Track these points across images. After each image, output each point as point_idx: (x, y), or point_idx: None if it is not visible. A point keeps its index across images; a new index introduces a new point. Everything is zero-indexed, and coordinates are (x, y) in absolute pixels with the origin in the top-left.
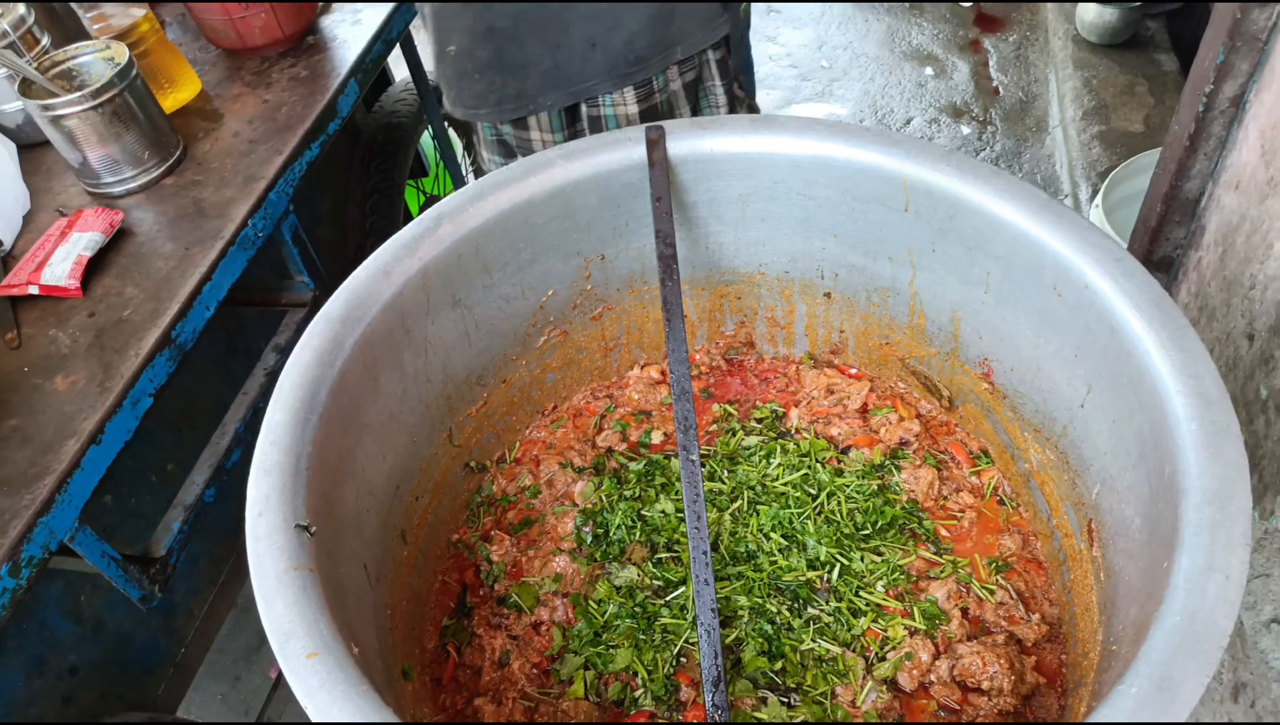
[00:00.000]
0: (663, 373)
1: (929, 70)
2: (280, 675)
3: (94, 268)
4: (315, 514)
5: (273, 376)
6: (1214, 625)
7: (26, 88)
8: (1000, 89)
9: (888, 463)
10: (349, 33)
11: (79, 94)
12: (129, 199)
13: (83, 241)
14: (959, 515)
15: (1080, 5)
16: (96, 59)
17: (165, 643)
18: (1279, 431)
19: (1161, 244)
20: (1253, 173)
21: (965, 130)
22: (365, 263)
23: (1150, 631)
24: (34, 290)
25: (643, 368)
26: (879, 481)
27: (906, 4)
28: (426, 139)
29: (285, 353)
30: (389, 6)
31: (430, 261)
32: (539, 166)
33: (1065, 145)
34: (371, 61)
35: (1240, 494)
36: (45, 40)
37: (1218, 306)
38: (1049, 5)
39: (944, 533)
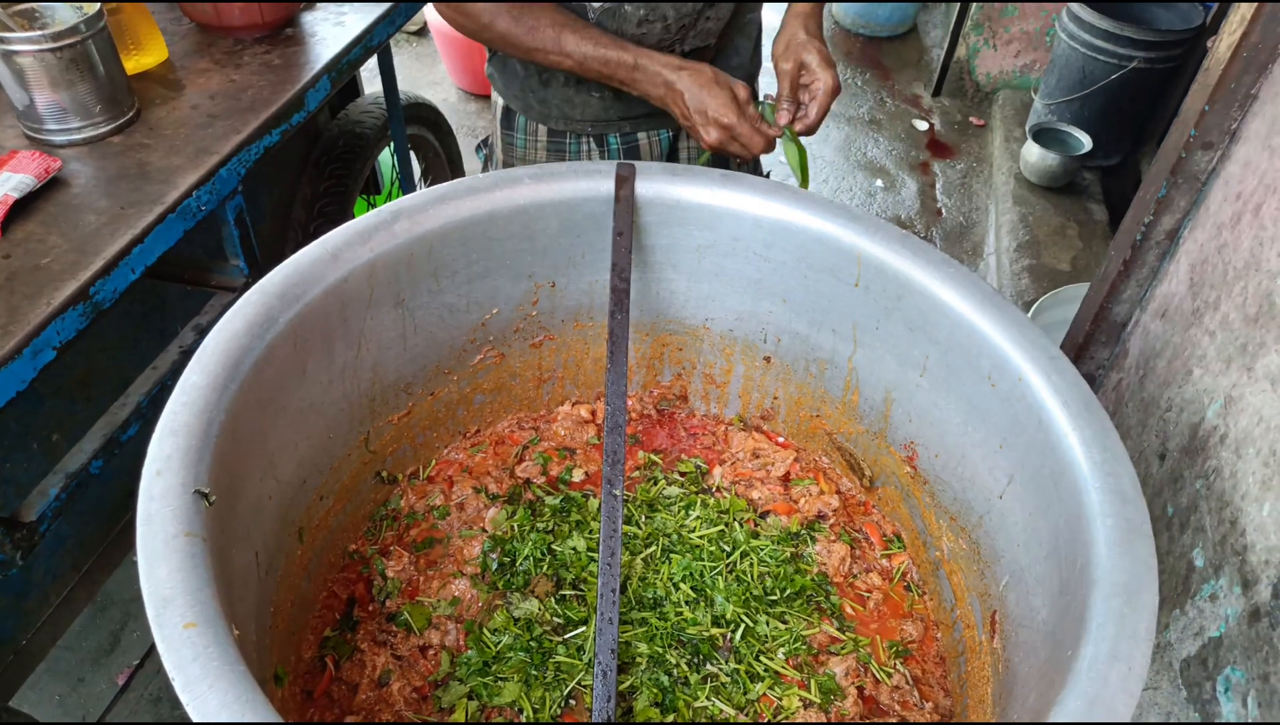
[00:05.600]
0: (592, 412)
1: (879, 182)
2: (127, 684)
3: (18, 211)
4: (217, 486)
5: (187, 355)
6: (1113, 712)
7: None
8: (944, 211)
9: (803, 533)
10: (329, 31)
11: (39, 33)
12: (70, 150)
13: (11, 181)
14: (866, 595)
15: (1025, 147)
16: (65, 6)
17: (11, 625)
18: (1180, 548)
19: (1085, 362)
20: (1180, 303)
21: None
22: (313, 244)
23: (1049, 714)
24: None
25: (573, 405)
26: (793, 549)
27: (865, 118)
28: (385, 157)
29: (204, 333)
30: (378, 10)
31: (380, 254)
32: (508, 181)
33: (998, 272)
34: (348, 63)
35: (1148, 590)
36: None
37: (1133, 426)
38: (996, 142)
39: (850, 610)
